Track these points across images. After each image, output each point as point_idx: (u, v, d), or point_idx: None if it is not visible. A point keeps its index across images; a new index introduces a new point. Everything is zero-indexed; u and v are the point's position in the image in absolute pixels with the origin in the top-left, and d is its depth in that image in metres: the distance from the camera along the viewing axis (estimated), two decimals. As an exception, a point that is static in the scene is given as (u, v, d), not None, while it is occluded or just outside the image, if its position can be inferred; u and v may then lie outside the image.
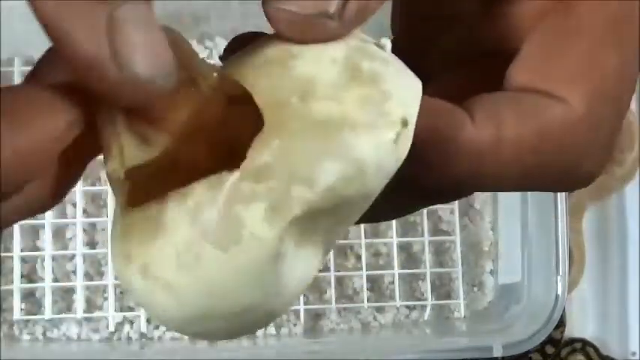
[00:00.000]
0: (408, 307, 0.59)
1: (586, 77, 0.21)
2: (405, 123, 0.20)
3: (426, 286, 0.58)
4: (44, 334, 0.58)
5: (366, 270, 0.58)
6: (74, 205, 0.57)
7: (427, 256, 0.59)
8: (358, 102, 0.19)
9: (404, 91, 0.20)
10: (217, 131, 0.21)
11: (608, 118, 0.22)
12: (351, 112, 0.19)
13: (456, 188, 0.23)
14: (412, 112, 0.20)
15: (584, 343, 0.60)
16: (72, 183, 0.22)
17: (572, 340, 0.60)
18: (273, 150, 0.19)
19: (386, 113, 0.20)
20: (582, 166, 0.22)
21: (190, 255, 0.19)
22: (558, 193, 0.51)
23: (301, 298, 0.57)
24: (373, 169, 0.19)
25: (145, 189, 0.21)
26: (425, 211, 0.58)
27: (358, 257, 0.59)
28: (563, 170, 0.22)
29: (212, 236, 0.19)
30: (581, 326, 0.60)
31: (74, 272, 0.57)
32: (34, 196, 0.20)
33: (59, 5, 0.17)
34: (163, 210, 0.20)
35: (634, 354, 0.59)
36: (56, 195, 0.21)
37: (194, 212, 0.19)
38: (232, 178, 0.19)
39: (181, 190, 0.20)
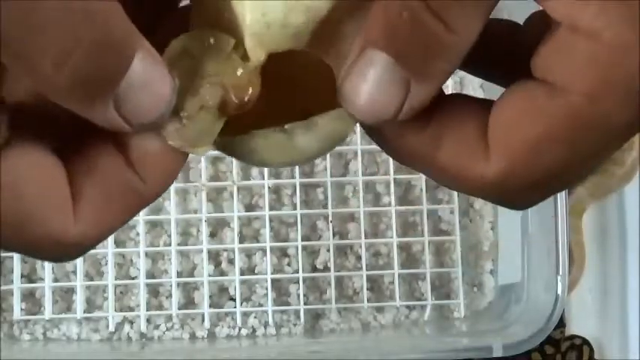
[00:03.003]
0: (408, 307, 0.59)
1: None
2: None
3: (426, 286, 0.58)
4: (44, 334, 0.58)
5: (366, 270, 0.58)
6: (74, 205, 0.57)
7: (427, 256, 0.58)
8: None
9: None
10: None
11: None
12: None
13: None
14: None
15: (584, 340, 0.60)
16: None
17: (573, 337, 0.60)
18: None
19: None
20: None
21: None
22: (558, 194, 0.51)
23: (301, 298, 0.57)
24: None
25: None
26: (425, 210, 0.58)
27: (358, 257, 0.59)
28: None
29: None
30: (581, 326, 0.60)
31: (74, 272, 0.57)
32: None
33: None
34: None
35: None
36: None
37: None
38: None
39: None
